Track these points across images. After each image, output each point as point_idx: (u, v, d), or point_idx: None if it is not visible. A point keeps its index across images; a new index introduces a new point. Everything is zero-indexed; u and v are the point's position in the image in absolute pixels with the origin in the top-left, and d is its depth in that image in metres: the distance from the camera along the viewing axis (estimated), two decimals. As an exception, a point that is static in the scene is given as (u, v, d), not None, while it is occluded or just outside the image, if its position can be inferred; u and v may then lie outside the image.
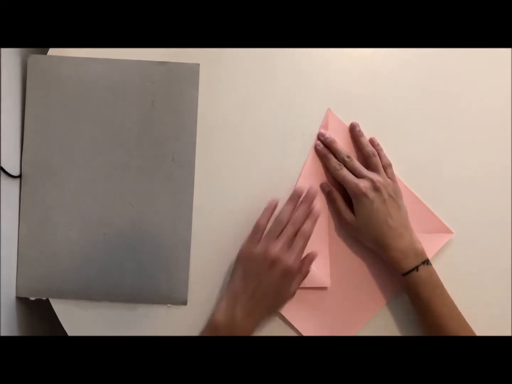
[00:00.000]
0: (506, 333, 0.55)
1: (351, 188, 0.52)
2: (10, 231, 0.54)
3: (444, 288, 0.50)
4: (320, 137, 0.55)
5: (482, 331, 0.50)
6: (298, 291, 0.54)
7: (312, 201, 0.53)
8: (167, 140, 0.56)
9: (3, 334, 0.51)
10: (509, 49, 0.58)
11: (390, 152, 0.56)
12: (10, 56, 0.53)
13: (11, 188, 0.54)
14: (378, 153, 0.54)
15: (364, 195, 0.51)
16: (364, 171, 0.52)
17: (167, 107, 0.56)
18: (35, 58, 0.55)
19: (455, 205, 0.56)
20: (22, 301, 0.56)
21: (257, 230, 0.52)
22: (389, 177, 0.53)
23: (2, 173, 0.51)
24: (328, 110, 0.56)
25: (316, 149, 0.55)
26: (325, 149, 0.55)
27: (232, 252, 0.54)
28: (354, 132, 0.55)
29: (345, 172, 0.53)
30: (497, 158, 0.57)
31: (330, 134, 0.55)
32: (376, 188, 0.51)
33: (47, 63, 0.56)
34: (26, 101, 0.55)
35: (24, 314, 0.57)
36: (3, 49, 0.50)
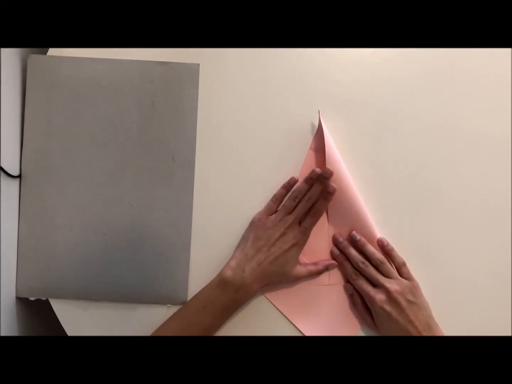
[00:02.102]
0: (506, 333, 0.55)
1: (368, 300, 0.52)
2: (10, 231, 0.54)
3: None
4: (335, 242, 0.55)
5: (482, 331, 0.50)
6: (299, 291, 0.54)
7: (326, 183, 0.54)
8: (167, 140, 0.56)
9: (3, 334, 0.51)
10: (509, 49, 0.58)
11: (389, 152, 0.57)
12: (10, 56, 0.53)
13: (11, 188, 0.54)
14: (390, 254, 0.54)
15: (381, 309, 0.51)
16: (380, 279, 0.52)
17: (167, 107, 0.56)
18: (35, 58, 0.55)
19: (455, 204, 0.56)
20: (22, 301, 0.56)
21: (273, 202, 0.55)
22: (404, 277, 0.53)
23: (2, 173, 0.51)
24: (318, 112, 0.56)
25: (333, 255, 0.55)
26: (341, 256, 0.55)
27: (232, 252, 0.54)
28: (356, 243, 0.54)
29: (362, 282, 0.53)
30: (497, 158, 0.57)
31: (344, 238, 0.55)
32: (392, 299, 0.51)
33: (47, 63, 0.56)
34: (26, 101, 0.55)
35: (24, 314, 0.57)
36: (3, 49, 0.50)
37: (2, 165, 0.50)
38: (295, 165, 0.56)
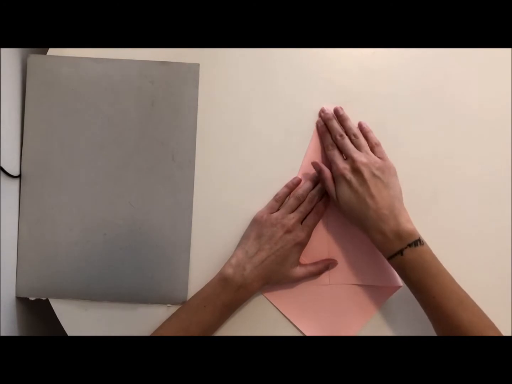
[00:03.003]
0: (506, 333, 0.55)
1: (333, 170, 0.52)
2: (10, 231, 0.54)
3: (441, 267, 0.48)
4: (321, 113, 0.56)
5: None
6: (299, 291, 0.55)
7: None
8: (167, 140, 0.56)
9: (3, 334, 0.51)
10: (509, 49, 0.58)
11: (389, 152, 0.56)
12: (10, 56, 0.53)
13: (11, 188, 0.54)
14: (366, 135, 0.54)
15: (342, 175, 0.50)
16: (350, 151, 0.52)
17: (167, 107, 0.56)
18: (35, 58, 0.55)
19: (454, 204, 0.56)
20: (22, 301, 0.56)
21: (276, 201, 0.55)
22: (378, 156, 0.52)
23: (2, 173, 0.51)
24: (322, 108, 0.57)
25: (317, 126, 0.56)
26: (324, 127, 0.55)
27: (232, 252, 0.54)
28: (338, 117, 0.55)
29: (335, 153, 0.53)
30: (497, 157, 0.57)
31: (330, 110, 0.56)
32: (355, 168, 0.50)
33: (47, 63, 0.56)
34: (26, 101, 0.55)
35: (24, 314, 0.57)
36: (3, 49, 0.50)
37: (2, 165, 0.50)
38: (295, 165, 0.56)
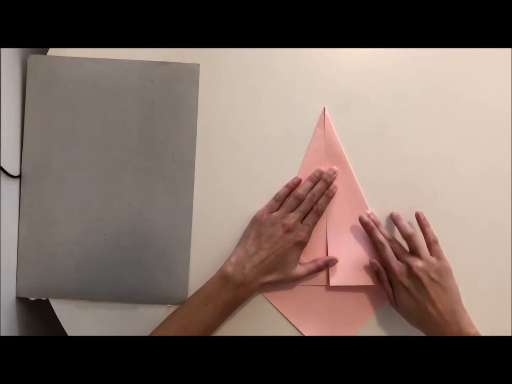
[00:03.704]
0: (506, 333, 0.55)
1: (389, 273, 0.51)
2: (10, 231, 0.54)
3: None
4: (363, 220, 0.54)
5: (482, 331, 0.50)
6: (299, 292, 0.55)
7: (331, 182, 0.55)
8: (167, 140, 0.56)
9: (3, 334, 0.51)
10: (509, 49, 0.58)
11: (389, 152, 0.57)
12: (10, 56, 0.53)
13: (11, 188, 0.54)
14: (424, 230, 0.52)
15: (399, 282, 0.50)
16: (403, 255, 0.51)
17: (167, 107, 0.56)
18: (35, 58, 0.55)
19: (455, 204, 0.56)
20: (22, 301, 0.56)
21: (276, 201, 0.55)
22: (434, 255, 0.51)
23: (2, 173, 0.51)
24: (323, 109, 0.56)
25: (361, 221, 0.54)
26: (372, 222, 0.54)
27: (232, 252, 0.54)
28: (393, 218, 0.54)
29: (387, 253, 0.52)
30: (497, 157, 0.57)
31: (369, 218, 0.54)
32: (412, 274, 0.49)
33: (47, 63, 0.56)
34: (26, 101, 0.55)
35: (24, 314, 0.57)
36: (3, 49, 0.50)
37: (2, 165, 0.50)
38: (295, 165, 0.56)
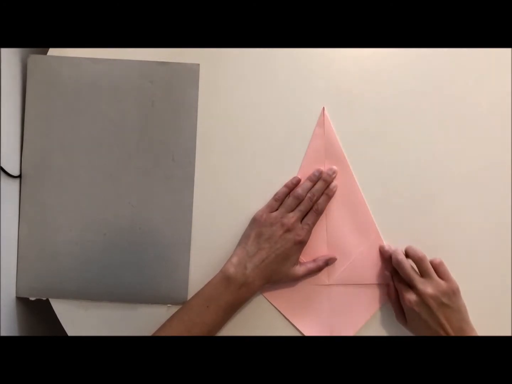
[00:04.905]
0: (506, 333, 0.55)
1: (400, 297, 0.52)
2: (10, 231, 0.54)
3: None
4: (383, 252, 0.55)
5: (482, 331, 0.50)
6: (298, 291, 0.55)
7: (330, 182, 0.55)
8: (167, 140, 0.56)
9: (3, 334, 0.51)
10: (509, 49, 0.58)
11: (389, 152, 0.57)
12: (10, 56, 0.53)
13: (11, 188, 0.54)
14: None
15: (411, 309, 0.50)
16: (414, 280, 0.51)
17: (167, 107, 0.56)
18: (35, 58, 0.55)
19: (455, 204, 0.56)
20: (22, 301, 0.56)
21: (275, 201, 0.55)
22: (441, 277, 0.51)
23: (2, 173, 0.51)
24: (323, 109, 0.57)
25: (382, 248, 0.55)
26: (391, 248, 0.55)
27: (232, 252, 0.54)
28: (406, 250, 0.54)
29: (406, 269, 0.52)
30: (497, 157, 0.57)
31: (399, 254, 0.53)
32: (423, 301, 0.50)
33: (47, 63, 0.56)
34: (26, 101, 0.55)
35: (24, 314, 0.57)
36: (3, 49, 0.50)
37: (2, 165, 0.50)
38: (295, 165, 0.56)
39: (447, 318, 0.50)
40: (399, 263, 0.52)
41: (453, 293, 0.51)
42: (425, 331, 0.50)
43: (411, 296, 0.50)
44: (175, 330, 0.50)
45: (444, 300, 0.50)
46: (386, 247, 0.55)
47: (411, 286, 0.51)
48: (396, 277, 0.53)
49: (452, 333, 0.49)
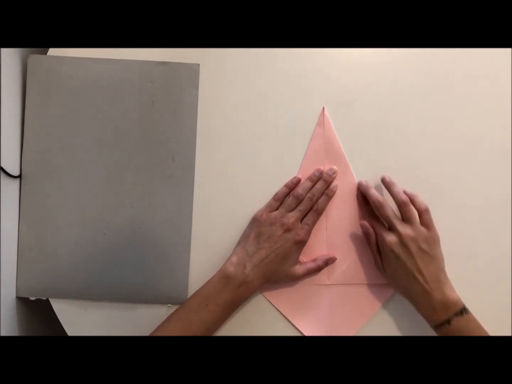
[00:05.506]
0: (506, 333, 0.55)
1: (379, 240, 0.52)
2: (10, 231, 0.54)
3: (485, 333, 0.49)
4: (360, 186, 0.55)
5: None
6: (298, 291, 0.55)
7: (330, 182, 0.55)
8: (167, 140, 0.56)
9: (3, 334, 0.51)
10: (509, 49, 0.58)
11: (389, 152, 0.57)
12: (10, 56, 0.53)
13: (11, 188, 0.54)
14: (412, 199, 0.52)
15: (390, 250, 0.50)
16: (395, 223, 0.51)
17: (167, 107, 0.56)
18: (35, 58, 0.55)
19: (455, 204, 0.56)
20: (22, 301, 0.56)
21: (275, 200, 0.55)
22: (424, 224, 0.51)
23: (2, 173, 0.51)
24: (323, 109, 0.57)
25: (360, 183, 0.55)
26: (369, 183, 0.54)
27: (232, 252, 0.54)
28: (385, 184, 0.54)
29: (387, 211, 0.52)
30: (497, 157, 0.57)
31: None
32: (403, 243, 0.50)
33: (47, 63, 0.56)
34: (26, 101, 0.55)
35: (24, 314, 0.57)
36: (3, 49, 0.50)
37: (2, 165, 0.50)
38: (295, 165, 0.56)
39: (425, 264, 0.50)
40: (380, 205, 0.52)
41: (433, 241, 0.51)
42: (403, 276, 0.50)
43: (391, 237, 0.50)
44: (174, 329, 0.50)
45: (424, 246, 0.50)
46: (364, 182, 0.54)
47: (391, 229, 0.51)
48: (376, 222, 0.53)
49: (428, 280, 0.49)
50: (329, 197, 0.55)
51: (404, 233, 0.50)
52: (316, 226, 0.55)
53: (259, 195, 0.56)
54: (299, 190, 0.54)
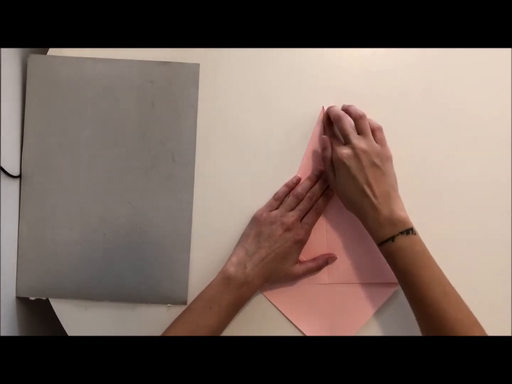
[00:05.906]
0: (506, 333, 0.55)
1: (333, 154, 0.52)
2: (10, 231, 0.54)
3: (430, 259, 0.48)
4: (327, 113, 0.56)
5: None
6: (299, 291, 0.55)
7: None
8: (167, 140, 0.56)
9: (3, 334, 0.51)
10: (509, 49, 0.58)
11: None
12: (10, 56, 0.53)
13: (11, 188, 0.54)
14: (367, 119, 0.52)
15: (341, 161, 0.50)
16: (350, 134, 0.51)
17: (167, 107, 0.56)
18: (35, 58, 0.55)
19: (455, 205, 0.56)
20: (22, 301, 0.56)
21: (275, 200, 0.55)
22: (377, 141, 0.51)
23: (2, 173, 0.51)
24: (322, 108, 0.57)
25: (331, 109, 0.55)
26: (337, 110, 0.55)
27: (232, 251, 0.54)
28: (343, 107, 0.54)
29: (344, 124, 0.52)
30: (497, 157, 0.57)
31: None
32: (355, 154, 0.50)
33: (47, 63, 0.56)
34: (26, 101, 0.55)
35: (24, 314, 0.57)
36: (3, 49, 0.50)
37: (2, 165, 0.50)
38: (294, 164, 0.56)
39: (375, 178, 0.49)
40: (339, 118, 0.52)
41: (386, 157, 0.51)
42: (352, 190, 0.50)
43: (344, 150, 0.50)
44: (180, 333, 0.50)
45: (376, 160, 0.50)
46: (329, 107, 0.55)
47: (346, 143, 0.51)
48: (334, 139, 0.53)
49: (377, 194, 0.49)
50: (329, 197, 0.55)
51: (358, 145, 0.50)
52: (316, 225, 0.55)
53: (259, 195, 0.56)
54: (299, 189, 0.54)
